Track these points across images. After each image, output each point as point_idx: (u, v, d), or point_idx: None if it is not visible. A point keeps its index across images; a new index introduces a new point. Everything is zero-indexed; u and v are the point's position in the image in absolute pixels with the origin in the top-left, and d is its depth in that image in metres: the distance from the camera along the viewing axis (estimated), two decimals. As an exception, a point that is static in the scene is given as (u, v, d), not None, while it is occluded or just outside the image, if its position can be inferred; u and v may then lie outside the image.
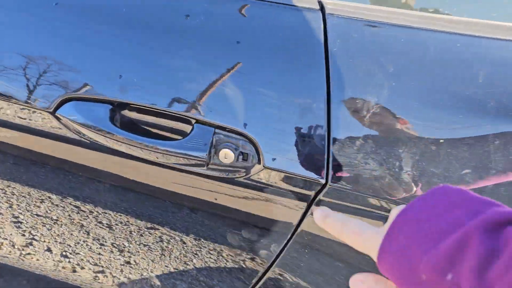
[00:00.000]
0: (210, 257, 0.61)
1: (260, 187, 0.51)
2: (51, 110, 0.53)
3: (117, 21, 0.52)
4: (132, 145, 0.51)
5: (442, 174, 0.45)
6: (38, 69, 0.52)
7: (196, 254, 0.61)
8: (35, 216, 0.70)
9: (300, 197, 0.50)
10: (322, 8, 0.51)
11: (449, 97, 0.47)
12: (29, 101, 0.53)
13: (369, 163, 0.47)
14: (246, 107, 0.49)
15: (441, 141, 0.46)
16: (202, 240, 0.59)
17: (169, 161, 0.52)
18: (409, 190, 0.47)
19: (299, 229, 0.53)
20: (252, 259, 0.58)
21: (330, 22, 0.49)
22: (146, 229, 0.61)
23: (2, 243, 0.79)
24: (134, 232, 0.62)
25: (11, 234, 0.74)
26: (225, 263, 0.60)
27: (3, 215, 0.74)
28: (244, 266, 0.59)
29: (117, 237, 0.64)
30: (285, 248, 0.54)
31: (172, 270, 0.65)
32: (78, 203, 0.63)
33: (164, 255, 0.63)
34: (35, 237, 0.75)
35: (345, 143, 0.47)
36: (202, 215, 0.57)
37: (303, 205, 0.51)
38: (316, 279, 0.56)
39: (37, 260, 0.73)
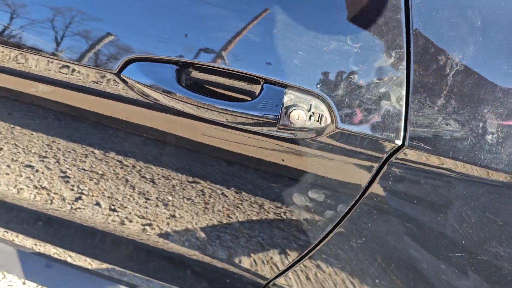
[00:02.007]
0: (252, 210, 0.61)
1: (331, 148, 0.50)
2: (115, 71, 0.52)
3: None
4: (200, 107, 0.50)
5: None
6: (101, 31, 0.51)
7: (238, 207, 0.62)
8: (82, 170, 0.71)
9: (373, 159, 0.49)
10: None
11: None
12: (93, 62, 0.52)
13: (450, 123, 0.45)
14: (319, 66, 0.47)
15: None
16: (258, 197, 0.59)
17: (237, 120, 0.51)
18: (493, 152, 0.45)
19: (368, 191, 0.52)
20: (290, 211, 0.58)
21: (411, -28, 0.46)
22: (188, 183, 0.61)
23: (53, 198, 0.81)
24: (177, 186, 0.63)
25: (60, 189, 0.76)
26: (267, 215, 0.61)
27: (51, 170, 0.76)
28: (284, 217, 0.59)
29: (161, 191, 0.65)
30: (353, 209, 0.54)
31: (215, 223, 0.66)
32: (120, 157, 0.64)
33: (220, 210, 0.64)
34: (83, 192, 0.77)
35: (425, 103, 0.45)
36: (267, 176, 0.56)
37: (376, 166, 0.50)
38: (383, 241, 0.55)
39: (87, 213, 0.76)
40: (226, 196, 0.61)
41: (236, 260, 0.68)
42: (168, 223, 0.70)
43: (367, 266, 0.59)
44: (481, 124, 0.45)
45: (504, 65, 0.44)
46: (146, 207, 0.70)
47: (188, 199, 0.64)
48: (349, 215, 0.55)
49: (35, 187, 0.81)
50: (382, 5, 0.46)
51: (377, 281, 0.59)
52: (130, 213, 0.75)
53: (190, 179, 0.61)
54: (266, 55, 0.48)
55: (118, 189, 0.71)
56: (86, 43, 0.51)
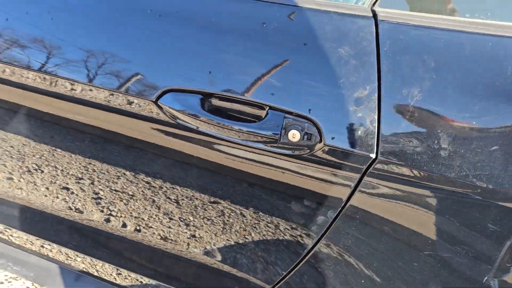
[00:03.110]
0: (268, 231, 0.73)
1: (321, 161, 0.63)
2: (153, 99, 0.67)
3: (208, 28, 0.66)
4: (220, 127, 0.64)
5: (472, 150, 0.56)
6: (144, 66, 0.67)
7: (255, 227, 0.73)
8: (114, 191, 0.84)
9: (355, 170, 0.62)
10: (375, 16, 0.62)
11: (482, 87, 0.57)
12: (136, 92, 0.67)
13: (412, 140, 0.58)
14: (311, 97, 0.61)
15: (472, 124, 0.56)
16: (261, 213, 0.71)
17: (248, 139, 0.64)
18: (445, 163, 0.57)
19: (351, 198, 0.64)
20: (308, 234, 0.70)
21: (381, 27, 0.61)
22: (209, 203, 0.74)
23: (83, 220, 0.94)
24: (199, 206, 0.75)
25: (91, 210, 0.89)
26: (283, 236, 0.72)
27: (85, 192, 0.89)
28: (299, 240, 0.71)
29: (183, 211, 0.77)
30: (340, 213, 0.66)
31: (232, 243, 0.78)
32: (149, 179, 0.77)
33: (225, 228, 0.76)
34: (112, 213, 0.90)
35: (393, 125, 0.58)
36: (266, 190, 0.69)
37: (357, 176, 0.62)
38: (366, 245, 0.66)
39: (115, 232, 0.88)
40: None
41: (239, 266, 0.79)
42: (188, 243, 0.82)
43: (353, 270, 0.70)
44: (436, 141, 0.57)
45: (452, 96, 0.57)
46: (169, 227, 0.82)
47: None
48: (338, 218, 0.66)
49: (69, 208, 0.95)
50: (359, 51, 0.61)
51: (362, 281, 0.69)
52: (153, 233, 0.87)
53: (190, 193, 0.74)
54: (270, 88, 0.62)
55: (145, 209, 0.84)
56: (130, 77, 0.67)
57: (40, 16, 0.71)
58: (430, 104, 0.58)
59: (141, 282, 1.03)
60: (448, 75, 0.58)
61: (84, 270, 1.09)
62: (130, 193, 0.83)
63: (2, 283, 1.38)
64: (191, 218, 0.79)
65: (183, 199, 0.78)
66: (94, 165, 0.84)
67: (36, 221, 1.03)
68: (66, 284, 1.13)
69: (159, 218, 0.85)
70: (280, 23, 0.64)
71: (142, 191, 0.82)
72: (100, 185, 0.86)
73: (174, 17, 0.67)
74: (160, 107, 0.67)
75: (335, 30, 0.62)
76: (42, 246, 1.11)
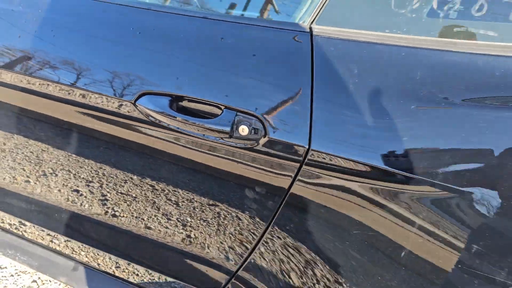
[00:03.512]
0: (226, 218, 0.84)
1: (267, 153, 0.75)
2: (132, 101, 0.81)
3: (177, 43, 0.80)
4: (184, 123, 0.77)
5: (387, 141, 0.67)
6: (129, 77, 0.81)
7: (214, 215, 0.85)
8: (120, 194, 0.97)
9: (294, 160, 0.73)
10: (311, 31, 0.75)
11: (395, 90, 0.68)
12: (117, 96, 0.82)
13: (339, 133, 0.69)
14: (257, 98, 0.74)
15: (386, 120, 0.67)
16: (218, 202, 0.83)
17: (207, 134, 0.77)
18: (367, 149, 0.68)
19: (293, 185, 0.75)
20: (261, 219, 0.81)
21: (315, 41, 0.73)
22: (172, 191, 0.86)
23: (89, 217, 1.08)
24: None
25: (97, 211, 1.02)
26: (240, 222, 0.83)
27: (94, 194, 1.03)
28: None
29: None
30: (285, 199, 0.77)
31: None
32: (153, 182, 0.89)
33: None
34: (116, 213, 1.02)
35: (323, 121, 0.70)
36: (222, 180, 0.81)
37: (297, 166, 0.74)
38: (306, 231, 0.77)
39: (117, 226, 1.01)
40: (190, 201, 0.85)
41: (202, 255, 0.91)
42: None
43: (297, 253, 0.80)
44: (355, 132, 0.68)
45: (371, 97, 0.69)
46: (166, 227, 0.95)
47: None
48: (282, 205, 0.77)
49: (77, 209, 1.08)
50: (298, 59, 0.73)
51: (305, 262, 0.80)
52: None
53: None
54: (224, 91, 0.75)
55: (146, 210, 0.96)
56: (113, 83, 0.82)
57: (45, 33, 0.87)
58: (353, 103, 0.69)
59: (137, 274, 1.14)
60: (368, 80, 0.70)
61: (86, 262, 1.22)
62: (134, 195, 0.96)
63: (12, 275, 1.52)
64: (156, 201, 0.91)
65: (152, 185, 0.90)
66: (104, 169, 0.97)
67: (48, 215, 1.17)
68: (65, 273, 1.26)
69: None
70: (235, 38, 0.77)
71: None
72: (108, 187, 1.00)
73: (150, 34, 0.82)
74: (137, 108, 0.81)
75: (280, 43, 0.75)
76: (51, 241, 1.24)
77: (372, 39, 0.72)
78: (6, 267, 1.55)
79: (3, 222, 1.30)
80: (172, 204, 0.90)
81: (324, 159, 0.71)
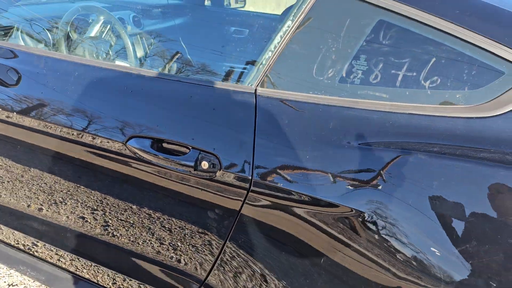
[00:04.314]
0: (192, 235, 1.07)
1: (223, 182, 0.99)
2: (124, 142, 1.07)
3: (157, 100, 1.06)
4: (161, 159, 1.02)
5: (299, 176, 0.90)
6: (121, 124, 1.07)
7: (182, 234, 1.08)
8: (120, 221, 1.21)
9: (242, 188, 0.97)
10: (256, 92, 1.01)
11: (315, 135, 0.92)
12: (112, 138, 1.07)
13: (273, 170, 0.93)
14: (216, 141, 0.99)
15: (307, 158, 0.91)
16: (185, 222, 1.06)
17: (178, 166, 1.02)
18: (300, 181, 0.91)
19: (240, 212, 0.98)
20: (220, 235, 1.03)
21: (258, 99, 0.99)
22: (152, 214, 1.10)
23: (90, 239, 1.31)
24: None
25: (99, 234, 1.25)
26: (204, 237, 1.06)
27: (97, 221, 1.27)
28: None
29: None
30: (235, 223, 1.00)
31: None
32: (150, 211, 1.13)
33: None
34: (115, 236, 1.26)
35: (261, 160, 0.95)
36: (189, 204, 1.05)
37: (244, 192, 0.97)
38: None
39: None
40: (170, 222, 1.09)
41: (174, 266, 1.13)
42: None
43: (248, 264, 1.02)
44: (282, 168, 0.92)
45: (297, 141, 0.93)
46: (159, 251, 1.18)
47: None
48: (235, 223, 1.00)
49: (81, 232, 1.32)
50: (245, 113, 0.98)
51: (255, 272, 1.01)
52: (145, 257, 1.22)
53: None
54: (191, 135, 1.01)
55: (141, 235, 1.20)
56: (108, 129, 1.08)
57: (60, 90, 1.15)
58: (283, 145, 0.94)
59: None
60: (295, 128, 0.94)
61: (87, 278, 1.43)
62: (131, 221, 1.20)
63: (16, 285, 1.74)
64: (136, 222, 1.15)
65: (138, 209, 1.14)
66: (108, 199, 1.22)
67: (57, 234, 1.41)
68: (67, 286, 1.48)
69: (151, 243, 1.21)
70: (200, 96, 1.03)
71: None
72: (110, 215, 1.24)
73: (140, 93, 1.09)
74: (128, 147, 1.07)
75: (233, 100, 1.01)
76: (58, 260, 1.47)
77: (299, 99, 0.97)
78: (17, 285, 1.77)
79: (18, 243, 1.53)
80: (153, 225, 1.14)
81: (263, 187, 0.95)
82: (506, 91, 0.85)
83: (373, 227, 0.85)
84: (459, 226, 0.79)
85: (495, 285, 0.75)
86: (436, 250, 0.80)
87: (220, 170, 0.98)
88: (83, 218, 1.27)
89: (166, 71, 1.17)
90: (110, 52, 1.48)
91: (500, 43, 0.86)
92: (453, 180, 0.81)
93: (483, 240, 0.77)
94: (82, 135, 1.12)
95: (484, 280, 0.76)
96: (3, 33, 1.55)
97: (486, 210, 0.78)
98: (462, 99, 0.87)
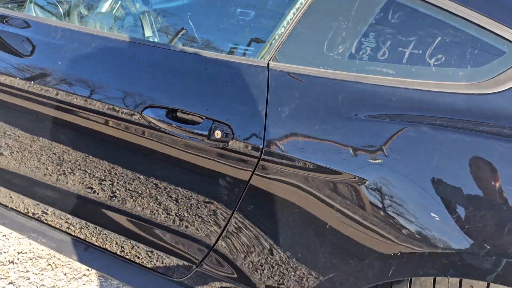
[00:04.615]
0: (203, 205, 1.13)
1: (235, 151, 1.04)
2: (140, 112, 1.11)
3: (173, 72, 1.11)
4: (176, 128, 1.07)
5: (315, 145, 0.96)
6: (139, 94, 1.12)
7: (192, 204, 1.14)
8: (128, 191, 1.26)
9: (253, 157, 1.02)
10: (268, 66, 1.05)
11: (324, 108, 0.97)
12: (129, 108, 1.12)
13: (283, 138, 0.99)
14: (229, 111, 1.04)
15: (316, 129, 0.96)
16: (195, 192, 1.11)
17: (191, 135, 1.07)
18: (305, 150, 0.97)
19: (249, 182, 1.04)
20: (228, 205, 1.09)
21: (271, 73, 1.04)
22: (162, 183, 1.15)
23: (100, 213, 1.36)
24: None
25: (108, 205, 1.31)
26: (213, 206, 1.12)
27: (104, 195, 1.32)
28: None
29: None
30: (244, 192, 1.05)
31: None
32: (161, 180, 1.18)
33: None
34: (125, 208, 1.31)
35: (272, 129, 1.00)
36: (202, 175, 1.10)
37: (255, 161, 1.03)
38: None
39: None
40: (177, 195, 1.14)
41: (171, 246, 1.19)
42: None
43: (256, 233, 1.08)
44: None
45: (307, 112, 0.98)
46: (169, 219, 1.23)
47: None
48: (244, 193, 1.06)
49: (90, 201, 1.37)
50: (258, 85, 1.03)
51: (262, 240, 1.07)
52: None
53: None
54: (205, 106, 1.05)
55: (151, 203, 1.25)
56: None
57: (78, 62, 1.19)
58: (293, 117, 0.99)
59: (138, 256, 1.42)
60: (305, 100, 0.99)
61: (96, 245, 1.49)
62: (140, 192, 1.26)
63: (30, 259, 1.80)
64: (153, 192, 1.20)
65: (149, 177, 1.19)
66: (116, 169, 1.27)
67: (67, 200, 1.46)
68: (78, 252, 1.53)
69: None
70: (215, 69, 1.08)
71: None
72: (118, 185, 1.29)
73: (157, 66, 1.13)
74: (143, 117, 1.11)
75: (246, 73, 1.06)
76: (68, 228, 1.53)
77: (310, 73, 1.02)
78: (26, 252, 1.83)
79: (28, 211, 1.58)
80: (163, 194, 1.19)
81: (273, 155, 1.00)
82: (506, 70, 0.90)
83: (377, 195, 0.91)
84: (457, 193, 0.85)
85: (488, 247, 0.82)
86: (435, 216, 0.86)
87: (232, 139, 1.03)
88: (93, 186, 1.32)
89: (181, 46, 1.21)
90: (124, 26, 1.51)
91: (503, 24, 0.90)
92: (453, 151, 0.87)
93: (479, 206, 0.83)
94: (98, 105, 1.17)
95: (479, 242, 0.83)
96: (17, 5, 1.58)
97: (483, 178, 0.84)
98: (464, 77, 0.92)
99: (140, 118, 1.12)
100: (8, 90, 1.33)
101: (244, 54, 1.16)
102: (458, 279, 0.88)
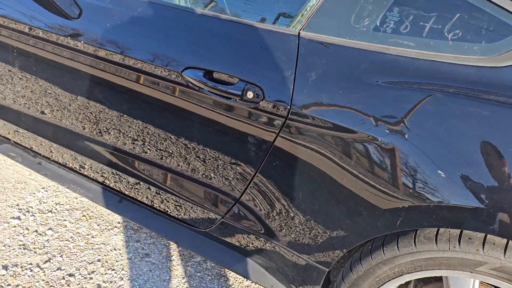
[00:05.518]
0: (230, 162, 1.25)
1: (264, 111, 1.16)
2: (180, 72, 1.23)
3: (214, 37, 1.22)
4: (212, 87, 1.19)
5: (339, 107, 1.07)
6: (180, 56, 1.24)
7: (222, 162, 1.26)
8: (163, 151, 1.40)
9: (280, 116, 1.14)
10: (299, 35, 1.16)
11: (348, 75, 1.08)
12: (170, 68, 1.24)
13: (310, 101, 1.10)
14: (261, 74, 1.15)
15: (339, 94, 1.07)
16: (228, 153, 1.24)
17: (226, 95, 1.19)
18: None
19: (275, 142, 1.15)
20: (253, 164, 1.21)
21: (301, 41, 1.14)
22: (193, 142, 1.28)
23: (132, 165, 1.50)
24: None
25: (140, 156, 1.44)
26: (239, 165, 1.24)
27: (139, 150, 1.45)
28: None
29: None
30: (270, 149, 1.17)
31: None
32: (189, 138, 1.31)
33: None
34: (155, 158, 1.44)
35: (300, 92, 1.11)
36: (233, 136, 1.22)
37: (283, 120, 1.14)
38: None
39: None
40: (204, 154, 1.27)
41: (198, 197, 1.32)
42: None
43: (278, 191, 1.20)
44: (321, 101, 1.08)
45: (331, 78, 1.09)
46: (200, 173, 1.36)
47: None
48: (269, 153, 1.18)
49: (124, 157, 1.51)
50: (288, 52, 1.14)
51: (283, 198, 1.19)
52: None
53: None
54: (240, 68, 1.17)
55: (183, 166, 1.38)
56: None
57: (125, 26, 1.31)
58: (319, 82, 1.10)
59: (167, 211, 1.55)
60: (331, 67, 1.10)
61: (132, 197, 1.63)
62: (170, 151, 1.39)
63: (67, 210, 1.96)
64: (185, 149, 1.33)
65: (180, 135, 1.32)
66: (149, 129, 1.40)
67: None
68: (113, 203, 1.68)
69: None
70: (250, 36, 1.19)
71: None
72: (150, 144, 1.43)
73: (198, 31, 1.25)
74: (183, 76, 1.24)
75: (279, 41, 1.16)
76: (105, 181, 1.67)
77: (338, 43, 1.12)
78: (63, 204, 2.00)
79: (67, 164, 1.73)
80: (195, 149, 1.32)
81: (299, 115, 1.11)
82: (517, 46, 0.99)
83: (389, 154, 1.02)
84: (463, 152, 0.95)
85: (487, 201, 0.92)
86: (441, 173, 0.96)
87: (263, 100, 1.14)
88: (128, 142, 1.46)
89: (220, 14, 1.32)
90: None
91: (518, 3, 0.99)
92: (462, 116, 0.97)
93: (481, 165, 0.93)
94: (141, 65, 1.29)
95: (478, 198, 0.93)
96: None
97: (486, 140, 0.94)
98: (478, 51, 1.02)
99: (179, 77, 1.24)
100: (58, 51, 1.47)
101: (277, 23, 1.27)
102: (458, 231, 0.99)
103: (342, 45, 1.11)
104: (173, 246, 1.83)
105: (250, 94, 1.15)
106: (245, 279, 1.67)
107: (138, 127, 1.42)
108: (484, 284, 1.12)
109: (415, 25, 1.07)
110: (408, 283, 1.30)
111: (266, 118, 1.17)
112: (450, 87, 1.00)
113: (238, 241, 1.42)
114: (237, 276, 1.72)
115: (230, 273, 1.74)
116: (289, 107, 1.12)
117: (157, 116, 1.38)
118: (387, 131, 1.02)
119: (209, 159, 1.32)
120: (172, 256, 1.78)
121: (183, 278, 1.69)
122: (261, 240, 1.36)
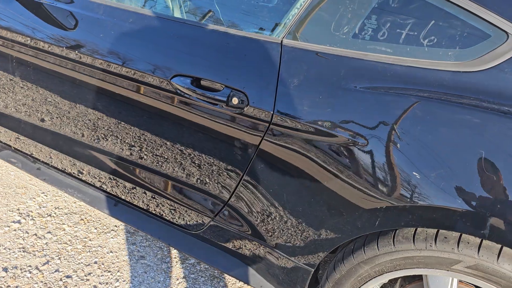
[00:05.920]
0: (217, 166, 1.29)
1: (249, 116, 1.20)
2: (168, 79, 1.28)
3: (202, 46, 1.27)
4: (199, 94, 1.24)
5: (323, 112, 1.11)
6: (168, 65, 1.29)
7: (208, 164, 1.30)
8: (155, 156, 1.45)
9: (264, 121, 1.18)
10: (281, 43, 1.20)
11: (329, 82, 1.12)
12: (159, 76, 1.29)
13: (292, 106, 1.14)
14: (246, 80, 1.19)
15: (320, 98, 1.11)
16: (212, 155, 1.28)
17: (212, 101, 1.23)
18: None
19: (260, 145, 1.20)
20: (239, 167, 1.25)
21: (283, 49, 1.19)
22: (180, 146, 1.32)
23: (130, 171, 1.55)
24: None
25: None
26: (226, 166, 1.28)
27: (133, 156, 1.50)
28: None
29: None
30: (255, 154, 1.21)
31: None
32: (179, 144, 1.36)
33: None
34: (149, 163, 1.49)
35: (282, 97, 1.15)
36: (218, 140, 1.26)
37: (266, 124, 1.18)
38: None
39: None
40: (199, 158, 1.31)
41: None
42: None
43: (263, 192, 1.24)
44: (301, 105, 1.12)
45: (312, 84, 1.13)
46: (192, 177, 1.41)
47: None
48: (254, 156, 1.22)
49: (120, 163, 1.56)
50: (271, 59, 1.18)
51: (268, 199, 1.23)
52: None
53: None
54: (225, 75, 1.21)
55: (174, 170, 1.43)
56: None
57: (117, 37, 1.37)
58: (301, 87, 1.14)
59: (162, 215, 1.60)
60: (312, 73, 1.14)
61: (127, 201, 1.68)
62: (166, 156, 1.44)
63: (66, 214, 2.02)
64: (175, 154, 1.37)
65: (171, 141, 1.36)
66: (145, 135, 1.45)
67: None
68: (109, 207, 1.73)
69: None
70: (235, 44, 1.24)
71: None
72: (147, 151, 1.47)
73: (185, 39, 1.30)
74: (171, 84, 1.28)
75: (262, 48, 1.21)
76: (101, 185, 1.72)
77: (318, 50, 1.16)
78: (61, 208, 2.05)
79: (65, 170, 1.79)
80: (185, 154, 1.37)
81: (282, 121, 1.15)
82: (490, 51, 1.03)
83: (367, 156, 1.06)
84: (436, 153, 0.99)
85: (459, 201, 0.95)
86: (416, 174, 1.00)
87: (247, 106, 1.19)
88: (124, 148, 1.51)
89: (207, 23, 1.37)
90: (156, 5, 1.68)
91: (489, 10, 1.02)
92: (436, 119, 1.00)
93: (455, 165, 0.97)
94: (132, 73, 1.34)
95: (452, 197, 0.96)
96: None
97: (460, 141, 0.98)
98: (453, 56, 1.05)
99: (168, 85, 1.29)
100: (56, 61, 1.52)
101: (261, 32, 1.31)
102: (435, 230, 1.02)
103: (323, 52, 1.16)
104: (168, 248, 1.88)
105: (235, 100, 1.20)
106: (237, 280, 1.71)
107: (130, 133, 1.47)
108: (465, 283, 1.15)
109: (392, 32, 1.11)
110: (394, 282, 1.33)
111: (251, 123, 1.21)
112: (425, 91, 1.04)
113: (228, 243, 1.46)
114: (230, 277, 1.76)
115: (223, 274, 1.78)
116: (272, 112, 1.16)
117: (147, 122, 1.42)
118: (365, 134, 1.06)
119: (198, 163, 1.36)
120: (167, 258, 1.82)
121: (177, 279, 1.73)
122: (249, 242, 1.39)
